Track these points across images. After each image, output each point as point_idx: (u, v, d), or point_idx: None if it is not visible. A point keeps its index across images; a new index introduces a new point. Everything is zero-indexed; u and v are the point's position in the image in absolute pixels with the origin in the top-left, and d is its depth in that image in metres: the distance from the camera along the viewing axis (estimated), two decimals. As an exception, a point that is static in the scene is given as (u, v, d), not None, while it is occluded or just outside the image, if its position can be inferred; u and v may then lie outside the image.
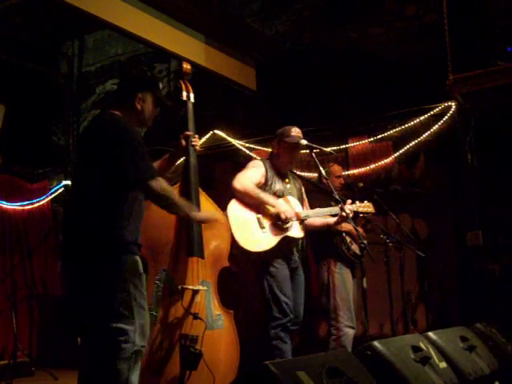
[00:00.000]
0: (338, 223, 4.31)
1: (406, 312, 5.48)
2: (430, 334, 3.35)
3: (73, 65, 8.38)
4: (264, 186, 3.97)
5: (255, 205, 3.90)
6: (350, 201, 4.31)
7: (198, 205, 3.60)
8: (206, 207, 3.73)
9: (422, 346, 3.05)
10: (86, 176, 2.94)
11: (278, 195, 4.00)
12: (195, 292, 3.52)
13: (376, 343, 2.80)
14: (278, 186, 4.00)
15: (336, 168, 4.96)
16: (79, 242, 2.87)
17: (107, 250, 2.82)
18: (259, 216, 3.88)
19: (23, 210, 7.67)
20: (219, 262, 3.78)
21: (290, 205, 4.03)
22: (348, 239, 4.75)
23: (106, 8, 5.14)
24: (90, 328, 2.90)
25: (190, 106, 3.85)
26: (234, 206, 3.91)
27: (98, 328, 2.85)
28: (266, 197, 3.91)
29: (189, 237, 3.56)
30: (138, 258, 2.90)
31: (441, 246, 5.80)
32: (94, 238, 2.82)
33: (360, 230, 4.81)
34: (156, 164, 3.37)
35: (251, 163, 4.08)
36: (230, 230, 3.80)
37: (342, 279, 4.63)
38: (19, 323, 6.22)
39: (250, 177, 3.96)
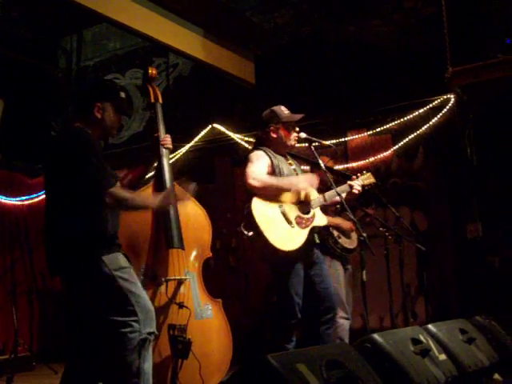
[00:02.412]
0: (348, 200, 4.22)
1: (406, 305, 5.49)
2: (430, 326, 3.36)
3: (71, 59, 8.37)
4: (273, 174, 3.85)
5: (276, 196, 3.76)
6: (354, 176, 4.23)
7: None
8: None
9: (421, 338, 3.05)
10: (55, 188, 3.02)
11: None
12: (180, 282, 3.58)
13: (375, 336, 2.81)
14: (285, 170, 3.90)
15: (325, 160, 4.91)
16: (59, 254, 2.95)
17: (87, 256, 2.89)
18: (283, 210, 3.74)
19: (23, 205, 7.67)
20: (202, 252, 3.84)
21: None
22: (335, 233, 4.76)
23: (104, 2, 5.12)
24: (93, 327, 2.98)
25: (159, 107, 3.95)
26: (256, 206, 3.69)
27: (101, 326, 2.92)
28: (285, 181, 3.79)
29: (167, 229, 3.60)
30: (118, 254, 2.97)
31: (440, 239, 5.81)
32: (72, 247, 2.90)
33: (348, 224, 4.80)
34: (132, 171, 3.52)
35: (253, 156, 3.91)
36: (257, 228, 3.61)
37: (332, 272, 4.65)
38: (19, 318, 6.22)
39: (260, 169, 3.81)
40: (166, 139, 3.77)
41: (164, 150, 3.75)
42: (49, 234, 3.03)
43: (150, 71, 4.03)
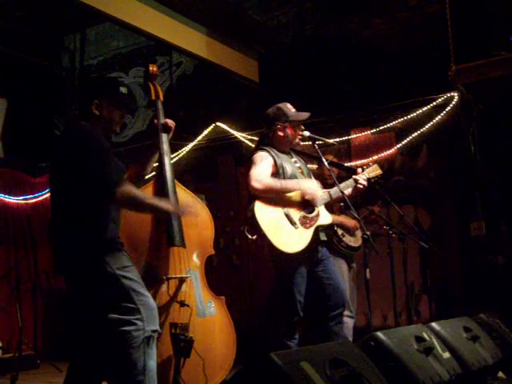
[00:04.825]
0: (353, 196, 4.20)
1: (410, 303, 5.48)
2: (434, 324, 3.35)
3: (74, 58, 8.39)
4: (276, 174, 3.81)
5: (280, 198, 3.74)
6: (360, 169, 4.16)
7: (175, 199, 3.63)
8: (185, 198, 3.75)
9: (425, 336, 3.05)
10: (60, 187, 3.06)
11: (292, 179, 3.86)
12: (181, 280, 3.57)
13: (379, 334, 2.81)
14: (289, 169, 3.85)
15: (329, 158, 4.90)
16: (64, 252, 2.97)
17: (91, 256, 2.90)
18: (286, 211, 3.71)
19: (27, 203, 7.68)
20: (204, 250, 3.82)
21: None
22: (340, 231, 4.76)
23: (107, 1, 5.13)
24: (97, 326, 2.99)
25: (160, 104, 3.92)
26: (259, 209, 3.67)
27: (105, 325, 2.93)
28: (289, 184, 3.74)
29: (168, 227, 3.59)
30: (121, 253, 2.97)
31: (444, 237, 5.80)
32: (76, 246, 2.91)
33: (352, 222, 4.80)
34: (137, 163, 3.53)
35: (257, 157, 3.85)
36: (261, 231, 3.60)
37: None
38: (24, 316, 6.23)
39: (264, 171, 3.77)
40: (167, 122, 3.71)
41: (164, 135, 3.70)
42: (54, 232, 3.04)
43: (150, 68, 3.99)
